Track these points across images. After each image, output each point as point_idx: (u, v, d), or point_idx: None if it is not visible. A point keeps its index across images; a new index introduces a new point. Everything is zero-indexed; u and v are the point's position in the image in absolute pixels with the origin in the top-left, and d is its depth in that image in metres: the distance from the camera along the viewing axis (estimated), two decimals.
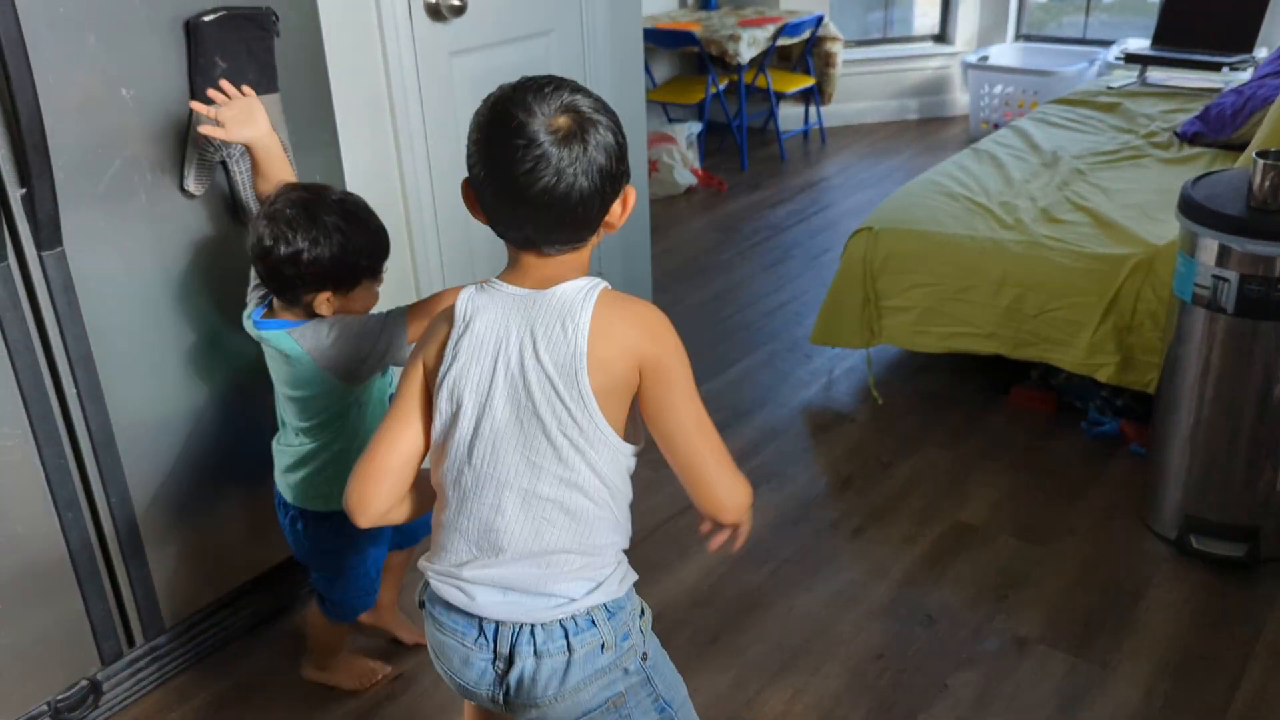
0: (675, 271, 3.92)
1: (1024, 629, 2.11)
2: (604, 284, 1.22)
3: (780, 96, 5.21)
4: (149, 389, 1.87)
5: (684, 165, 4.76)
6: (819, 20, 5.09)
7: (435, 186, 2.40)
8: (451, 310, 1.24)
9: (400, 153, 2.29)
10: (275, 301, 1.69)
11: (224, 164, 1.84)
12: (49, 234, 1.66)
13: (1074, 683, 1.98)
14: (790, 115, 5.51)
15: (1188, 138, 3.46)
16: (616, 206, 1.20)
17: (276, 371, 1.73)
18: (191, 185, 1.80)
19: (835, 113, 5.59)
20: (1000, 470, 2.64)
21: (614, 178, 1.17)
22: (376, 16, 2.16)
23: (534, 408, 1.19)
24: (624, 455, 1.24)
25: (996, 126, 5.07)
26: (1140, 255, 2.59)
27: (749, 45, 4.80)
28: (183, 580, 2.02)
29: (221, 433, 2.01)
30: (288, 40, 1.88)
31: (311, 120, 1.99)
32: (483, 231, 2.58)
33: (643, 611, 1.32)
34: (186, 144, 1.78)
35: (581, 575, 1.25)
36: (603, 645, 1.25)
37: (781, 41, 4.97)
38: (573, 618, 1.24)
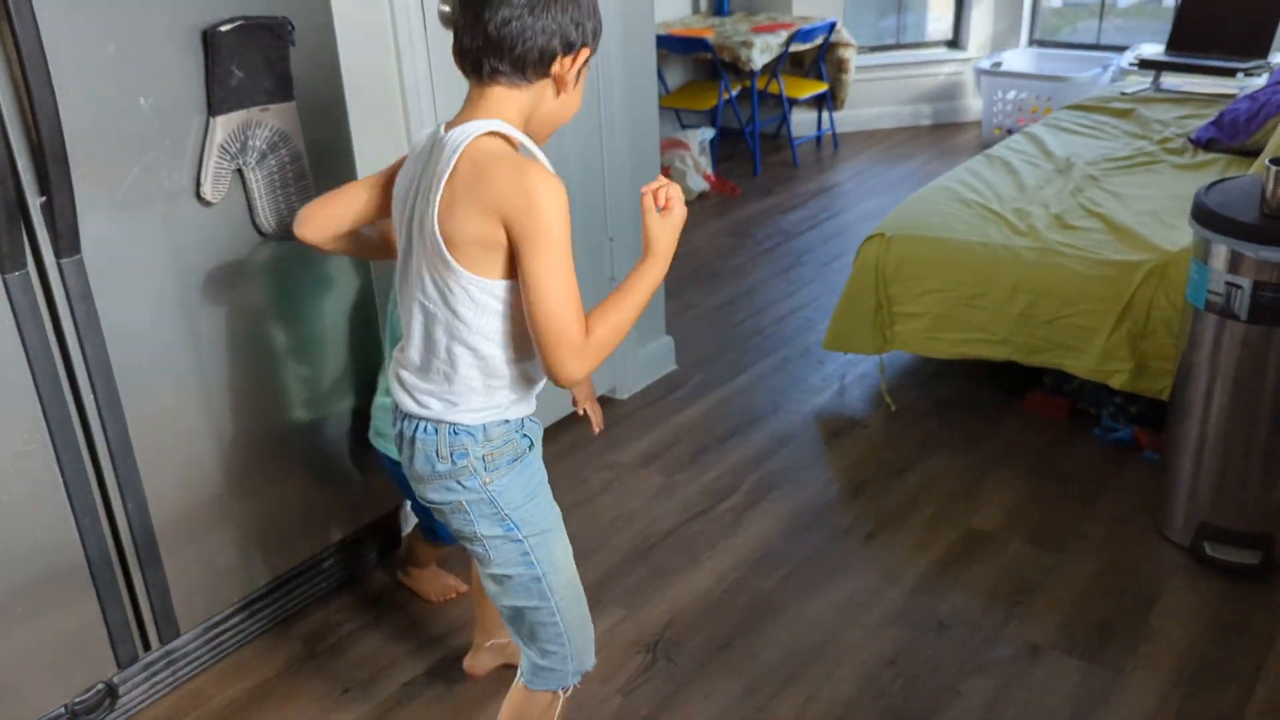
0: (688, 277, 3.93)
1: (1037, 635, 2.11)
2: (498, 128, 1.33)
3: (793, 102, 5.21)
4: (166, 397, 1.89)
5: (697, 171, 4.76)
6: (832, 26, 5.10)
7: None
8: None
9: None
10: None
11: (240, 171, 1.86)
12: (68, 242, 1.68)
13: (1087, 690, 1.98)
14: (803, 121, 5.51)
15: (1202, 144, 3.45)
16: (566, 62, 1.34)
17: None
18: (208, 192, 1.82)
19: (848, 118, 5.59)
20: (1014, 476, 2.64)
21: (562, 30, 1.31)
22: (391, 26, 2.18)
23: (420, 236, 1.36)
24: (495, 302, 1.35)
25: (1010, 132, 5.07)
26: (1154, 262, 2.59)
27: (762, 51, 4.80)
28: (199, 585, 2.04)
29: (238, 440, 2.02)
30: (303, 49, 1.90)
31: (326, 129, 2.01)
32: None
33: (518, 455, 1.45)
34: (203, 151, 1.80)
35: (442, 395, 1.42)
36: (438, 454, 1.42)
37: (794, 48, 4.97)
38: (429, 421, 1.43)
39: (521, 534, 1.47)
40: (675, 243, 1.41)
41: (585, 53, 1.36)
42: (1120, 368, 2.60)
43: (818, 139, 5.52)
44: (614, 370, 3.06)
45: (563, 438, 2.90)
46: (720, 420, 2.97)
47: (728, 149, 5.36)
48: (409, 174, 1.40)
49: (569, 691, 1.60)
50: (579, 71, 1.37)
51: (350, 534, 2.33)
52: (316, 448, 2.18)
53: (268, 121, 1.85)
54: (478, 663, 2.05)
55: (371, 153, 2.19)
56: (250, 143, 1.84)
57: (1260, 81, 4.00)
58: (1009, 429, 2.84)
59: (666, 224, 1.40)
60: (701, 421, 2.96)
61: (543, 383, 1.46)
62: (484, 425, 1.41)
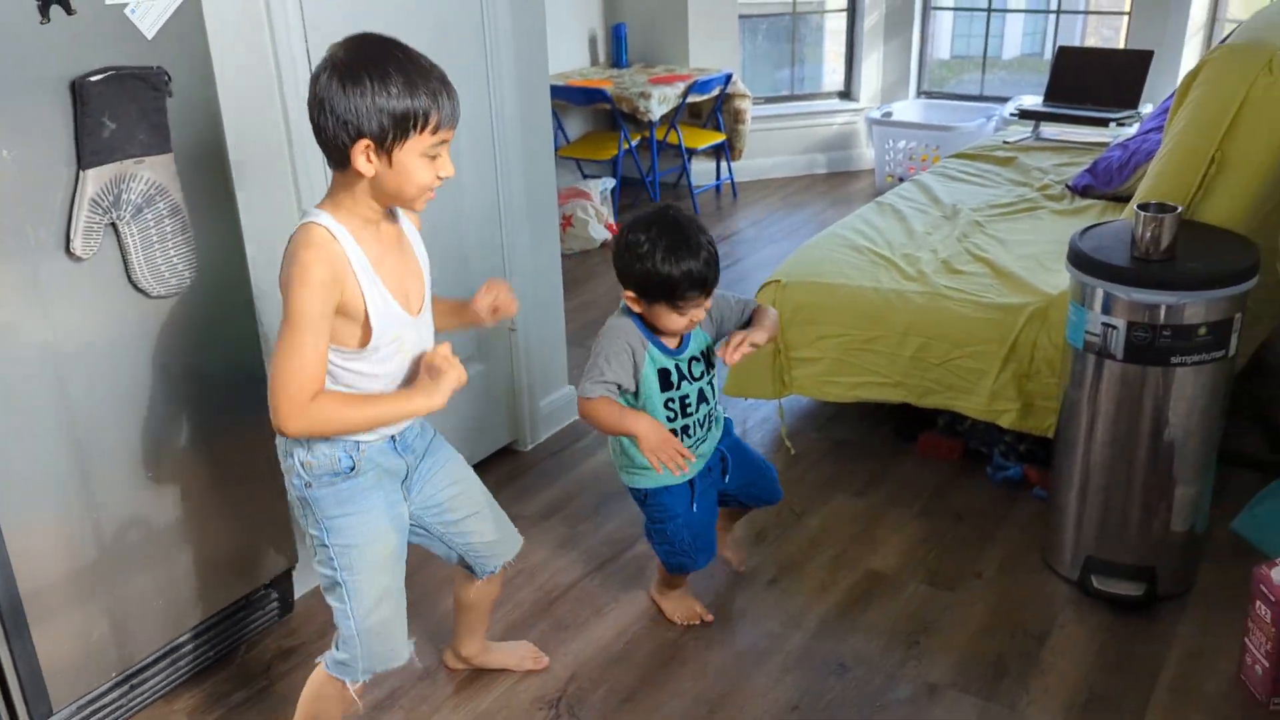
0: (592, 326, 3.92)
1: (935, 675, 2.13)
2: (310, 219, 1.56)
3: (691, 152, 5.30)
4: (34, 461, 1.80)
5: (598, 220, 4.79)
6: (728, 78, 5.21)
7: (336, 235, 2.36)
8: None
9: (301, 203, 2.26)
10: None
11: (114, 226, 1.80)
12: None
13: None
14: (702, 170, 5.60)
15: (1079, 190, 3.60)
16: (358, 157, 1.51)
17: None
18: (79, 247, 1.75)
19: (746, 168, 5.70)
20: (910, 517, 2.68)
21: (328, 127, 1.51)
22: (275, 74, 2.15)
23: None
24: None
25: (901, 180, 5.22)
26: (1036, 304, 2.67)
27: (660, 102, 4.88)
28: (72, 659, 1.93)
29: (114, 507, 1.94)
30: (181, 100, 1.86)
31: (206, 181, 1.96)
32: None
33: (336, 471, 1.65)
34: (73, 205, 1.74)
35: None
36: (281, 451, 1.69)
37: (692, 99, 5.06)
38: None
39: (328, 540, 1.69)
40: (445, 399, 1.61)
41: (366, 142, 1.51)
42: (1008, 407, 2.67)
43: (717, 188, 5.61)
44: (516, 422, 3.03)
45: None
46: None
47: (629, 198, 5.41)
48: None
49: (357, 686, 1.80)
50: (372, 159, 1.52)
51: (237, 599, 2.24)
52: (200, 514, 2.10)
53: (143, 174, 1.80)
54: (449, 660, 2.23)
55: (258, 205, 2.15)
56: (125, 196, 1.78)
57: (1131, 131, 4.21)
58: (904, 470, 2.89)
59: (450, 380, 1.61)
60: (604, 471, 2.95)
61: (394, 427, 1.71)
62: (305, 443, 1.64)
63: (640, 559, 2.54)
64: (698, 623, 2.30)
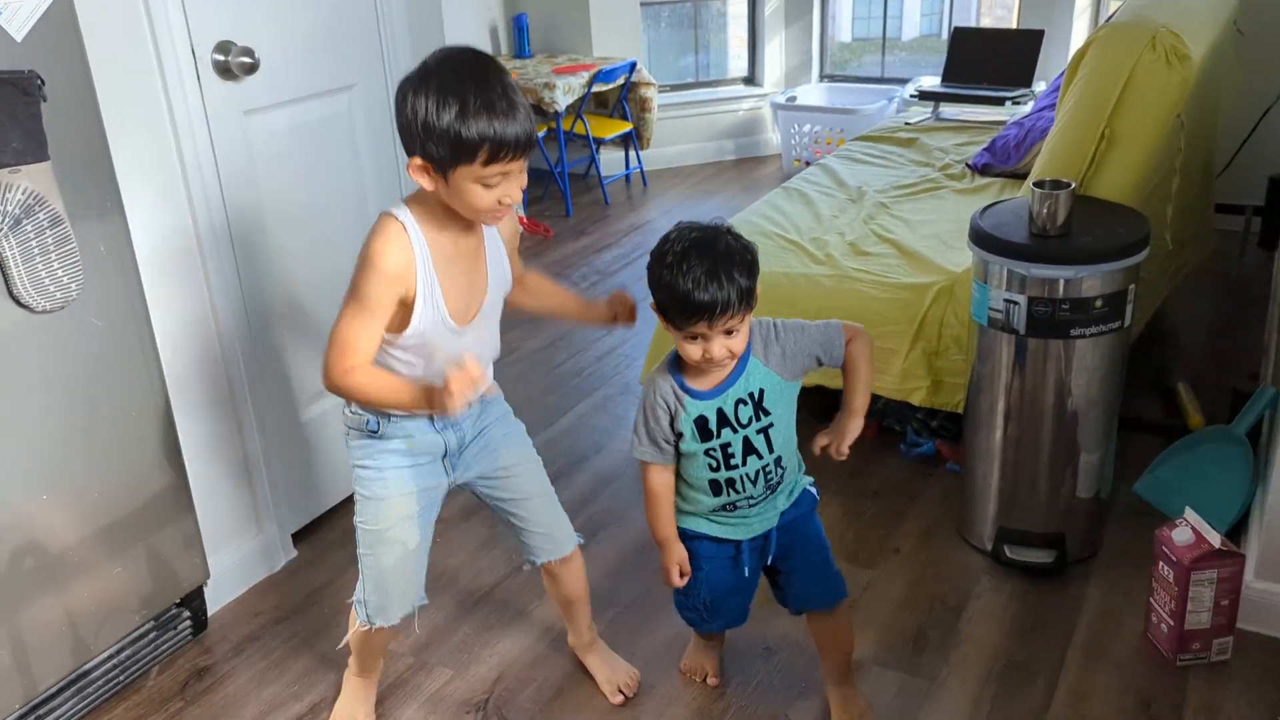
0: (506, 322, 3.87)
1: (859, 652, 2.16)
2: (391, 210, 1.63)
3: (599, 142, 5.27)
4: None
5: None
6: (632, 66, 5.20)
7: (237, 249, 2.30)
8: None
9: (196, 217, 2.19)
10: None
11: None
12: None
13: (906, 699, 2.04)
14: (611, 160, 5.59)
15: (978, 169, 3.68)
16: (415, 172, 1.56)
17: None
18: None
19: (655, 156, 5.70)
20: (828, 497, 2.71)
21: (400, 131, 1.56)
22: (160, 78, 2.07)
23: None
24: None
25: (807, 163, 5.28)
26: (942, 283, 2.72)
27: (565, 93, 4.84)
28: None
29: (4, 533, 1.85)
30: (57, 105, 1.77)
31: (90, 188, 1.88)
32: (300, 289, 2.49)
33: (363, 432, 1.77)
34: None
35: None
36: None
37: (597, 88, 5.04)
38: None
39: (355, 486, 1.81)
40: (446, 412, 1.60)
41: (420, 162, 1.55)
42: (918, 385, 2.72)
43: (627, 177, 5.60)
44: None
45: None
46: (544, 464, 2.92)
47: (538, 191, 5.36)
48: None
49: (370, 629, 1.88)
50: (431, 176, 1.55)
51: (147, 621, 2.17)
52: (101, 536, 2.02)
53: (19, 184, 1.71)
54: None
55: (149, 214, 2.07)
56: (1, 207, 1.70)
57: (1026, 109, 4.31)
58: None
59: (450, 402, 1.58)
60: None
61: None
62: (358, 411, 1.77)
63: None
64: (699, 679, 2.12)
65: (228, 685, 2.18)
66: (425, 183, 1.56)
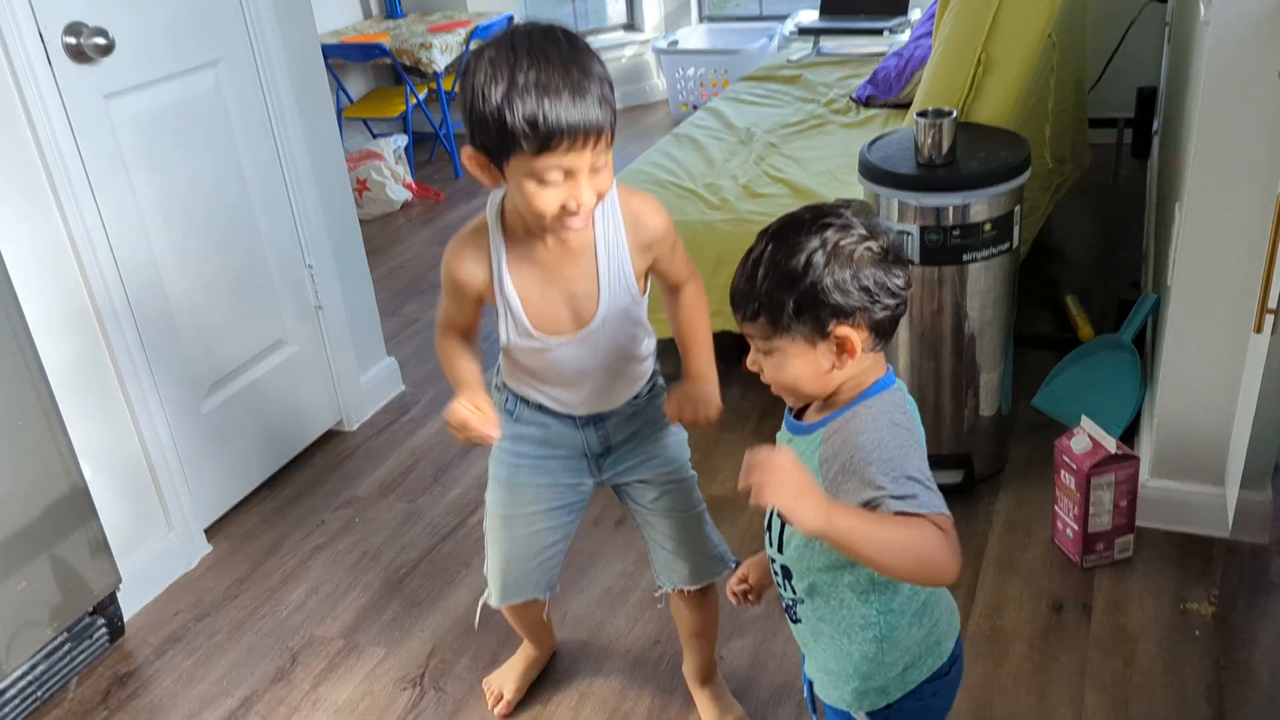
0: (403, 292, 3.82)
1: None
2: (491, 200, 1.47)
3: None
4: None
5: (395, 180, 4.64)
6: (510, 19, 5.10)
7: (111, 235, 2.19)
8: None
9: (64, 211, 2.08)
10: None
11: None
12: None
13: None
14: None
15: (862, 101, 3.72)
16: (468, 162, 1.37)
17: None
18: None
19: None
20: (741, 440, 2.75)
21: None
22: (7, 65, 1.95)
23: None
24: None
25: (695, 108, 5.27)
26: None
27: (442, 52, 4.73)
28: None
29: None
30: None
31: None
32: (188, 280, 2.41)
33: (502, 405, 1.67)
34: None
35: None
36: None
37: (475, 44, 4.93)
38: None
39: (489, 464, 1.73)
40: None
41: (470, 150, 1.34)
42: None
43: None
44: (339, 401, 2.92)
45: (294, 479, 2.74)
46: None
47: (424, 154, 5.25)
48: None
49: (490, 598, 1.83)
50: (486, 170, 1.33)
51: (59, 633, 2.10)
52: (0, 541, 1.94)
53: None
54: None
55: (9, 213, 1.96)
56: None
57: (904, 38, 4.37)
58: (731, 395, 2.93)
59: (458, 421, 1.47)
60: (438, 439, 2.89)
61: (541, 390, 1.61)
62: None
63: None
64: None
65: (153, 688, 2.13)
66: (483, 178, 1.33)
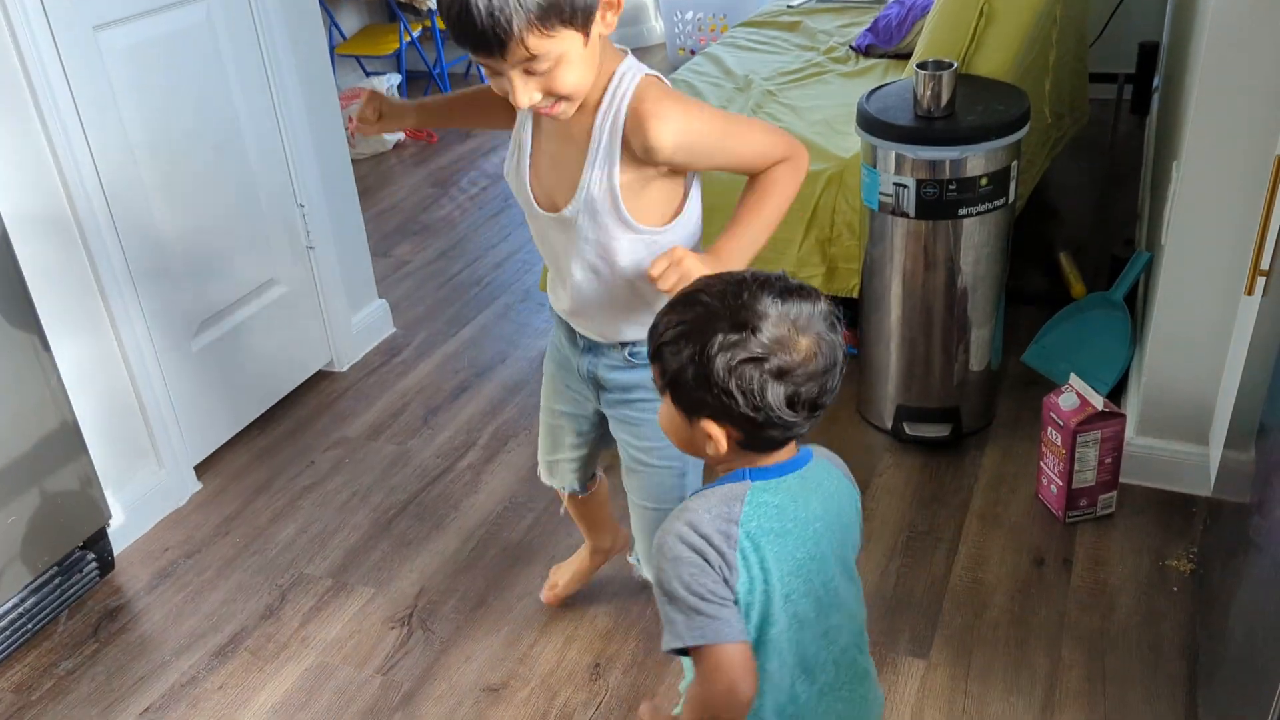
0: (394, 233, 3.79)
1: None
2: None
3: None
4: None
5: None
6: None
7: (100, 170, 2.17)
8: None
9: (54, 144, 2.06)
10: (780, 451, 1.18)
11: None
12: None
13: None
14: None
15: (862, 50, 3.68)
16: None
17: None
18: None
19: None
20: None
21: None
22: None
23: None
24: None
25: (693, 52, 5.20)
26: (831, 169, 2.74)
27: None
28: None
29: None
30: None
31: None
32: (164, 215, 2.38)
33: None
34: None
35: None
36: None
37: None
38: None
39: None
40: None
41: None
42: (814, 273, 2.75)
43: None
44: (330, 342, 2.92)
45: (284, 419, 2.75)
46: (448, 377, 2.92)
47: (417, 92, 5.19)
48: None
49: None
50: None
51: (49, 567, 2.11)
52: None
53: None
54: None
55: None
56: None
57: None
58: None
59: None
60: (429, 382, 2.89)
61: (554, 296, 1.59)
62: None
63: (476, 465, 2.53)
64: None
65: (143, 623, 2.15)
66: None
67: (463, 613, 2.12)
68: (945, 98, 2.17)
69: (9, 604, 2.04)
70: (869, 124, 2.23)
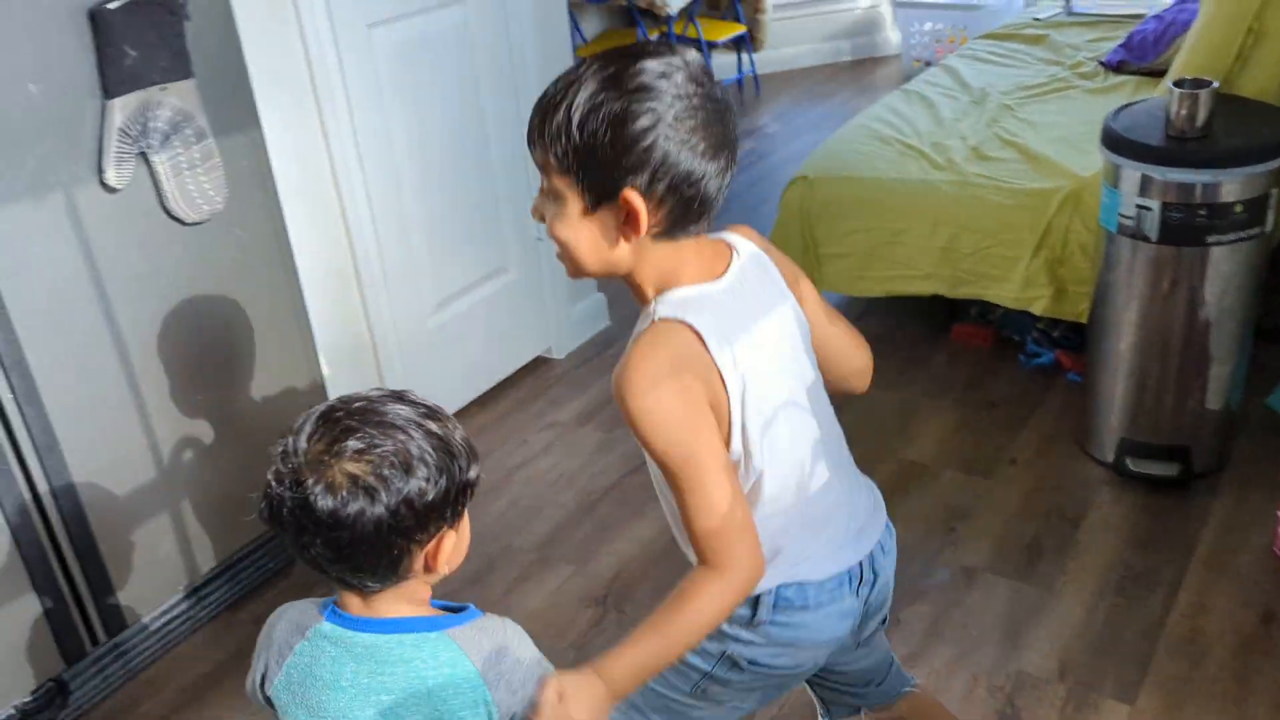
0: None
1: (971, 559, 2.18)
2: None
3: (711, 45, 5.18)
4: (87, 387, 1.86)
5: None
6: None
7: (364, 160, 2.37)
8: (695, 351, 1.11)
9: (326, 129, 2.27)
10: (353, 596, 1.07)
11: (144, 154, 1.82)
12: None
13: (1020, 607, 2.05)
14: (723, 64, 5.49)
15: (1113, 66, 3.50)
16: None
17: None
18: (112, 179, 1.78)
19: (768, 59, 5.58)
20: (944, 407, 2.70)
21: None
22: None
23: (804, 349, 1.26)
24: None
25: (928, 64, 5.09)
26: (1068, 188, 2.64)
27: None
28: (141, 575, 2.02)
29: (168, 425, 2.00)
30: (199, 24, 1.85)
31: (231, 104, 1.96)
32: (415, 200, 2.56)
33: None
34: (102, 135, 1.75)
35: (869, 487, 1.40)
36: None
37: None
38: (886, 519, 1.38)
39: None
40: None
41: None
42: (1040, 294, 2.66)
43: (739, 81, 5.50)
44: (548, 331, 3.06)
45: (503, 399, 2.90)
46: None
47: None
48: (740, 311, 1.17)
49: None
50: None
51: None
52: (247, 433, 2.16)
53: (168, 101, 1.81)
54: None
55: (279, 124, 2.15)
56: (151, 124, 1.80)
57: (1168, 0, 4.06)
58: (938, 361, 2.90)
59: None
60: None
61: None
62: None
63: None
64: None
65: None
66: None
67: (656, 598, 2.15)
68: (1201, 118, 2.05)
69: (252, 544, 2.25)
70: (1114, 142, 2.13)
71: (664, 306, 1.12)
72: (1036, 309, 2.68)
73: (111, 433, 1.91)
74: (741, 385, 1.14)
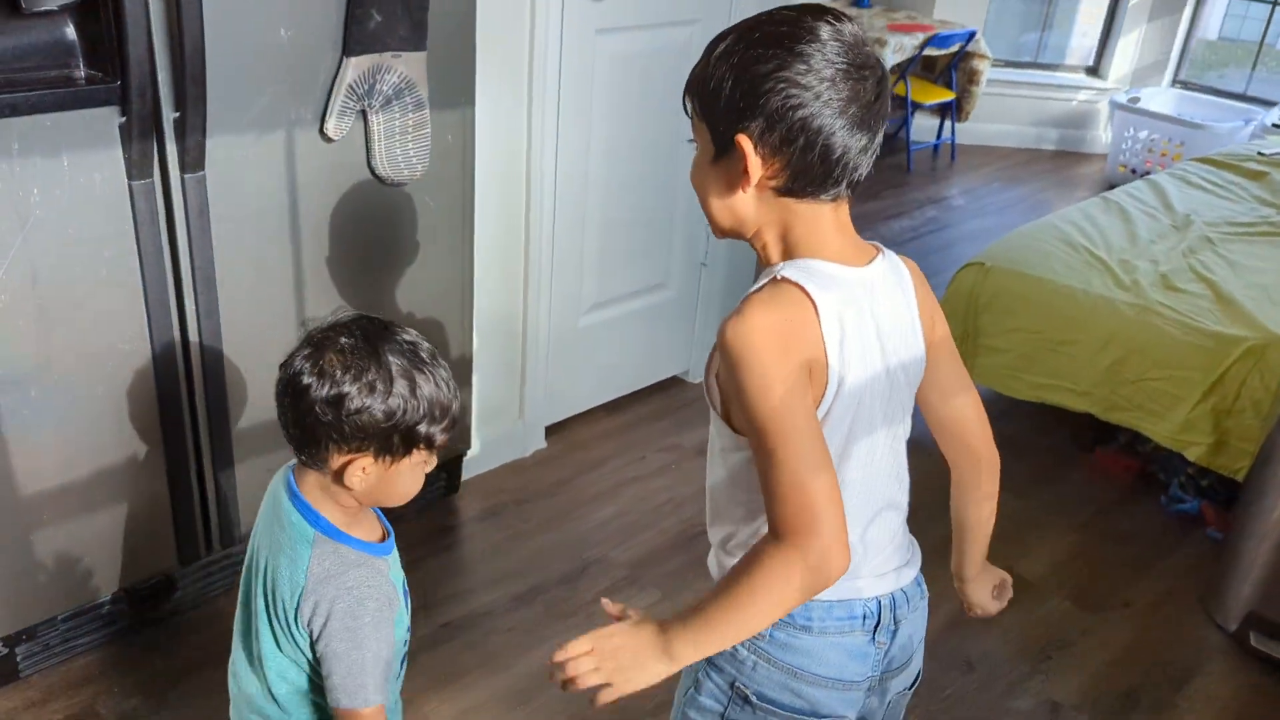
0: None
1: (1060, 694, 2.11)
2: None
3: (917, 107, 5.13)
4: (261, 315, 1.97)
5: None
6: (971, 35, 4.99)
7: (560, 157, 2.45)
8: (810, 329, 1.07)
9: (531, 120, 2.35)
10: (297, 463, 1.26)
11: (364, 114, 1.92)
12: (194, 158, 1.76)
13: None
14: (924, 127, 5.42)
15: None
16: None
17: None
18: (331, 129, 1.89)
19: (969, 130, 5.48)
20: (1067, 529, 2.61)
21: None
22: None
23: (910, 368, 1.21)
24: None
25: (1135, 172, 4.92)
26: (1255, 340, 2.52)
27: (894, 51, 4.73)
28: (259, 496, 2.13)
29: None
30: (444, 2, 1.94)
31: (452, 82, 2.06)
32: (596, 203, 2.62)
33: None
34: (332, 88, 1.86)
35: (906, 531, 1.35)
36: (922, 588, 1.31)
37: (928, 52, 4.89)
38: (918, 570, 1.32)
39: None
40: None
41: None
42: (1200, 440, 2.54)
43: (935, 147, 5.42)
44: (691, 353, 3.09)
45: (631, 410, 2.95)
46: None
47: None
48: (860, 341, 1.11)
49: None
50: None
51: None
52: None
53: (398, 68, 1.90)
54: None
55: (489, 108, 2.24)
56: (378, 86, 1.90)
57: None
58: (1071, 480, 2.80)
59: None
60: None
61: None
62: None
63: None
64: None
65: (464, 548, 2.41)
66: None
67: None
68: None
69: None
70: None
71: (790, 269, 1.08)
72: (1191, 455, 2.57)
73: (270, 363, 2.02)
74: (839, 382, 1.08)
